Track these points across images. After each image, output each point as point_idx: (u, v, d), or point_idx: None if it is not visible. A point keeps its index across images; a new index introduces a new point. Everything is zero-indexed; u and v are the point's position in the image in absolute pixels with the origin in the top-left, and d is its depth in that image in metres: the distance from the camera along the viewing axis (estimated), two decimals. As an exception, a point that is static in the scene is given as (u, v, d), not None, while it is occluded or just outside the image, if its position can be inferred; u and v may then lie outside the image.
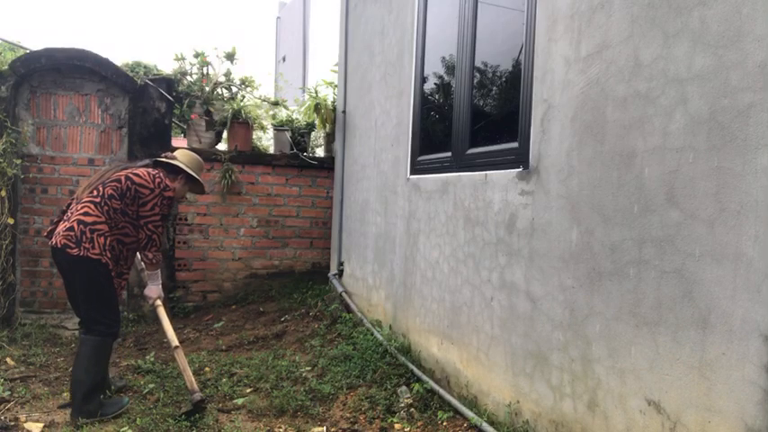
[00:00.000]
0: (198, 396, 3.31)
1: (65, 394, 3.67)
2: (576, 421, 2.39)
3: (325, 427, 3.18)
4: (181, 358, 3.46)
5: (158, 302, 3.62)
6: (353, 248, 5.39)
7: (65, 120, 5.35)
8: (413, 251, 4.01)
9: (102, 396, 3.54)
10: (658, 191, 2.02)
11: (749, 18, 1.72)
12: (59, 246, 3.17)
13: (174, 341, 3.50)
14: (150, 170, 3.45)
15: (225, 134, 6.10)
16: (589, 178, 2.36)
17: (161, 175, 3.46)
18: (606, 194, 2.26)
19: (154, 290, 3.60)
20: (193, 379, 3.41)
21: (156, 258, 3.45)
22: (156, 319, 5.30)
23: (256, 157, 6.01)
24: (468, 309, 3.27)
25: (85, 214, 3.21)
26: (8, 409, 3.42)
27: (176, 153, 3.73)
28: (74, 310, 3.49)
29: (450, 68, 3.66)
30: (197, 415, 3.25)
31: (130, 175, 3.35)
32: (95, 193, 3.30)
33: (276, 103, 6.53)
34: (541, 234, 2.65)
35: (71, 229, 3.18)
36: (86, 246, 3.15)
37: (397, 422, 3.19)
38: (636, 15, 2.14)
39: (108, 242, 3.24)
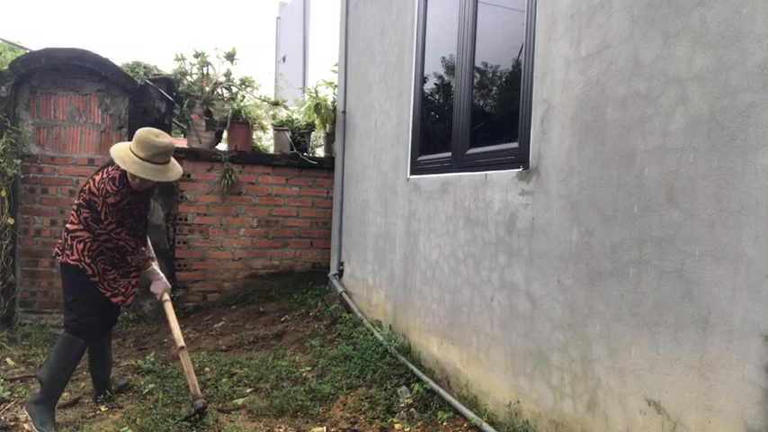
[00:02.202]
0: (200, 403, 3.28)
1: (65, 394, 3.66)
2: (576, 421, 2.39)
3: (325, 427, 3.18)
4: (185, 360, 3.43)
5: (166, 297, 3.62)
6: (353, 248, 5.39)
7: (65, 120, 5.35)
8: (413, 251, 4.01)
9: (102, 394, 3.55)
10: (658, 191, 2.02)
11: (749, 18, 1.72)
12: (54, 253, 3.45)
13: (180, 341, 3.47)
14: (106, 173, 3.29)
15: (225, 134, 6.10)
16: (589, 178, 2.36)
17: (111, 177, 3.24)
18: (606, 194, 2.26)
19: (158, 285, 3.61)
20: (197, 383, 3.39)
21: (135, 261, 3.44)
22: (156, 319, 5.35)
23: (256, 157, 6.01)
24: (468, 309, 3.27)
25: (70, 222, 3.38)
26: (8, 409, 3.42)
27: (115, 146, 3.34)
28: None
29: (450, 68, 3.66)
30: (197, 415, 3.24)
31: (89, 182, 3.30)
32: (76, 201, 3.38)
33: (276, 103, 6.53)
34: (541, 234, 2.65)
35: (62, 236, 3.40)
36: (67, 252, 3.31)
37: (397, 422, 3.19)
38: (636, 15, 2.14)
39: (89, 247, 3.29)
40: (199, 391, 3.36)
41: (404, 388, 3.52)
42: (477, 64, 3.37)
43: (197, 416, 3.24)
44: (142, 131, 3.27)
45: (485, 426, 2.83)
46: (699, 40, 1.89)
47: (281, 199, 6.12)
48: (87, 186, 3.30)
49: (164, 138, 3.30)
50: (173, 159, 3.40)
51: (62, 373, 3.24)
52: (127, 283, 3.46)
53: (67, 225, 3.38)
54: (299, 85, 15.45)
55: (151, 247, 3.81)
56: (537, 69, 2.72)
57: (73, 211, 3.38)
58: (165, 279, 3.64)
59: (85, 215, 3.29)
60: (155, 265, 3.65)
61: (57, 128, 5.34)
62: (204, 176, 5.79)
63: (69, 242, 3.30)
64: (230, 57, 5.94)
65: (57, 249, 3.38)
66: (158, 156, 3.24)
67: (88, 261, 3.29)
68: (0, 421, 3.25)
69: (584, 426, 2.35)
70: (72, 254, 3.28)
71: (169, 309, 3.59)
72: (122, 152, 3.23)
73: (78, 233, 3.31)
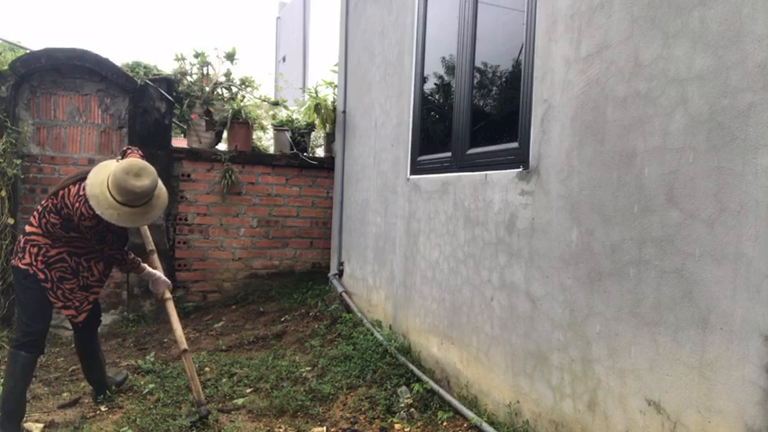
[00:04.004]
0: (204, 410, 3.24)
1: (65, 394, 3.67)
2: (576, 421, 2.39)
3: (325, 427, 3.18)
4: (189, 364, 3.35)
5: (167, 295, 3.52)
6: (353, 248, 5.39)
7: (65, 120, 5.35)
8: (413, 251, 4.01)
9: (101, 395, 3.55)
10: (658, 191, 2.02)
11: (749, 18, 1.72)
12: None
13: (183, 343, 3.39)
14: (82, 189, 2.97)
15: (225, 134, 6.10)
16: (589, 178, 2.36)
17: (87, 198, 2.92)
18: (606, 194, 2.26)
19: (158, 283, 3.52)
20: (200, 389, 3.34)
21: (126, 269, 3.37)
22: (157, 319, 5.34)
23: (256, 157, 6.01)
24: (468, 309, 3.27)
25: (29, 224, 3.15)
26: (8, 409, 3.41)
27: (97, 167, 3.01)
28: None
29: (450, 68, 3.66)
30: (197, 416, 3.24)
31: (63, 192, 3.03)
32: (43, 202, 3.12)
33: (276, 103, 6.54)
34: (541, 234, 2.65)
35: (18, 239, 3.16)
36: (20, 255, 3.09)
37: (397, 422, 3.19)
38: (636, 15, 2.14)
39: (43, 253, 3.06)
40: (203, 397, 3.32)
41: (404, 388, 3.52)
42: (477, 64, 3.37)
43: (197, 416, 3.23)
44: (120, 171, 2.84)
45: (485, 426, 2.83)
46: (699, 40, 1.89)
47: (281, 199, 6.12)
48: (61, 194, 3.03)
49: (144, 178, 2.88)
50: (158, 185, 3.04)
51: (13, 391, 3.00)
52: (84, 297, 3.21)
53: (26, 227, 3.14)
54: (299, 85, 15.44)
55: (149, 238, 3.64)
56: (537, 69, 2.72)
57: (36, 213, 3.12)
58: (164, 277, 3.54)
59: (53, 221, 3.04)
60: (154, 260, 3.55)
61: (57, 128, 5.34)
62: (204, 176, 5.79)
63: (22, 245, 3.09)
64: (230, 57, 5.94)
65: (13, 254, 3.14)
66: (138, 199, 2.90)
67: (41, 267, 3.05)
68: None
69: (585, 426, 2.35)
70: (24, 257, 3.06)
71: (171, 308, 3.50)
72: (97, 189, 2.86)
73: (34, 237, 3.07)
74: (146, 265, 3.49)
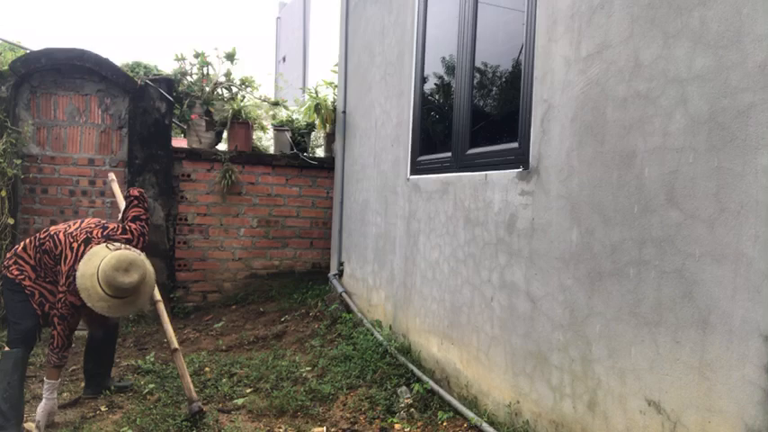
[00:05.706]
0: (196, 407, 3.24)
1: (65, 394, 3.67)
2: (576, 421, 2.39)
3: (325, 428, 3.18)
4: (179, 362, 3.40)
5: (158, 297, 3.57)
6: (353, 249, 5.39)
7: (65, 120, 5.35)
8: (413, 251, 4.01)
9: (90, 390, 3.59)
10: (658, 191, 2.02)
11: (749, 18, 1.72)
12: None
13: (174, 343, 3.44)
14: (75, 271, 3.04)
15: (225, 134, 6.10)
16: (589, 178, 2.36)
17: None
18: (606, 194, 2.26)
19: (41, 408, 3.12)
20: (191, 386, 3.35)
21: (52, 359, 3.10)
22: (157, 319, 5.33)
23: (256, 158, 6.02)
24: (469, 309, 3.27)
25: (24, 249, 3.21)
26: (8, 410, 3.41)
27: (88, 254, 3.00)
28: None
29: (450, 68, 3.66)
30: (196, 416, 3.24)
31: (69, 252, 3.10)
32: (41, 238, 3.17)
33: (276, 104, 6.54)
34: (541, 234, 2.65)
35: (9, 256, 3.25)
36: (10, 268, 3.18)
37: (397, 422, 3.19)
38: (636, 15, 2.14)
39: (27, 274, 3.15)
40: (194, 393, 3.33)
41: (404, 388, 3.52)
42: (477, 64, 3.37)
43: (196, 416, 3.23)
44: (110, 268, 2.89)
45: (485, 426, 2.83)
46: (699, 40, 1.89)
47: (281, 199, 6.12)
48: (66, 244, 3.11)
49: (133, 273, 2.95)
50: (146, 267, 3.07)
51: (8, 390, 3.00)
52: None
53: (18, 249, 3.22)
54: (299, 85, 15.44)
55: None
56: (537, 69, 2.72)
57: (31, 242, 3.20)
58: (51, 405, 3.18)
59: (46, 261, 3.14)
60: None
61: (57, 128, 5.34)
62: (204, 176, 5.80)
63: (13, 262, 3.19)
64: (230, 57, 5.94)
65: (4, 266, 3.25)
66: (128, 291, 2.97)
67: (26, 279, 3.17)
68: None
69: (585, 426, 2.35)
70: (12, 270, 3.17)
71: (161, 310, 3.56)
72: (88, 281, 2.90)
73: (23, 263, 3.17)
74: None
